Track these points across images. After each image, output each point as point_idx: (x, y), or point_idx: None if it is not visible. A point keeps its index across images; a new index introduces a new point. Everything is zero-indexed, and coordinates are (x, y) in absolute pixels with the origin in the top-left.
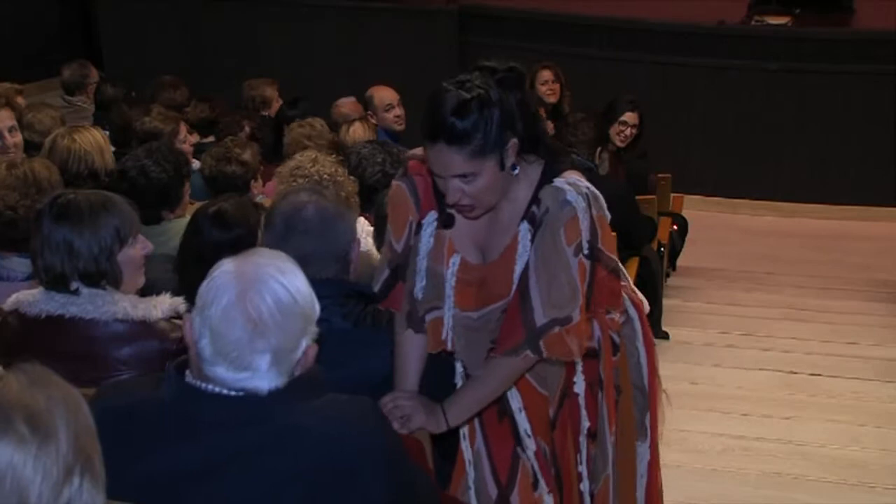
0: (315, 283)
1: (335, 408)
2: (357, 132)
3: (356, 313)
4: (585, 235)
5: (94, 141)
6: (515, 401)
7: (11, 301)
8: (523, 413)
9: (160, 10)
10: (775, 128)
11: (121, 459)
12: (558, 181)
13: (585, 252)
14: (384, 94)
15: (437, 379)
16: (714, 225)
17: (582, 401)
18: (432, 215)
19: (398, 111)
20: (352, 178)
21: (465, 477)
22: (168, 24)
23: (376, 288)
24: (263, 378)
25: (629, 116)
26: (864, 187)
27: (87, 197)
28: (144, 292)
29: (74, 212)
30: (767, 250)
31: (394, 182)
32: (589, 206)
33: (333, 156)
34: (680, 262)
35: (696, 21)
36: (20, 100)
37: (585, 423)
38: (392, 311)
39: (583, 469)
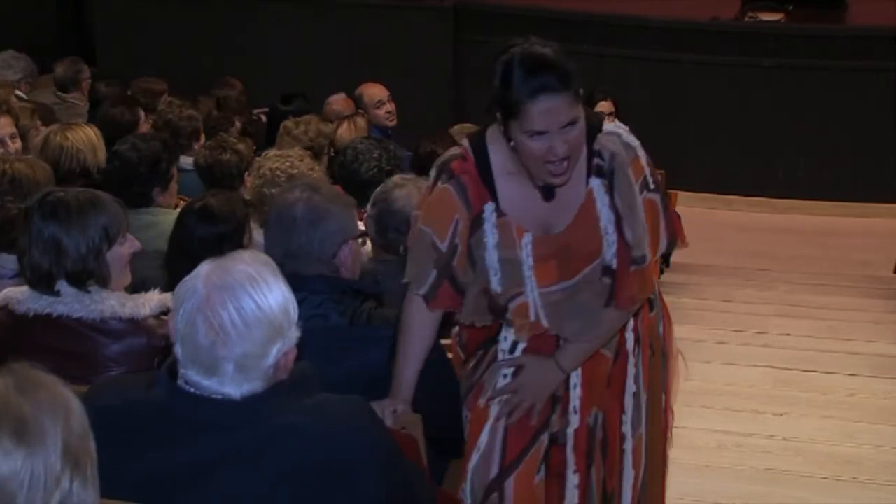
0: (309, 279)
1: (328, 407)
2: (346, 131)
3: (352, 310)
4: (647, 170)
5: (87, 139)
6: (575, 376)
7: (1, 297)
8: (578, 389)
9: (155, 9)
10: (769, 124)
11: (116, 458)
12: (607, 127)
13: (651, 187)
14: (374, 91)
15: (435, 386)
16: (708, 221)
17: (632, 358)
18: (490, 206)
19: (389, 107)
20: (317, 166)
21: (478, 442)
22: (162, 23)
23: (423, 290)
24: (231, 384)
25: (604, 105)
26: (859, 183)
27: (76, 195)
28: (135, 289)
29: (63, 210)
30: (762, 247)
31: (439, 186)
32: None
33: (310, 155)
34: (674, 258)
35: (690, 17)
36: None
37: (631, 382)
38: (391, 312)
39: (627, 430)
